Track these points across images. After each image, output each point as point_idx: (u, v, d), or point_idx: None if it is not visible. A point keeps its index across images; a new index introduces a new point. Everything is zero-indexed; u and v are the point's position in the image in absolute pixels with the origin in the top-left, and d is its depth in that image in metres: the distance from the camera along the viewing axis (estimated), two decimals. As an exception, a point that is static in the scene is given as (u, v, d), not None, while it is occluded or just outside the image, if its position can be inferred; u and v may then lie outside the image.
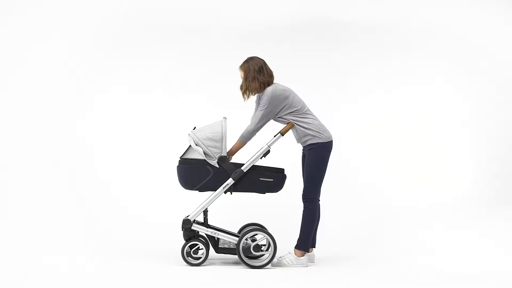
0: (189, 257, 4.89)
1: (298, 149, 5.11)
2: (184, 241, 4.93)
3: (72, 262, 4.97)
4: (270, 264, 4.90)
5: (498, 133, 7.14)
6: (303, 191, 4.94)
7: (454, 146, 7.12)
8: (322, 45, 7.17)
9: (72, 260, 5.04)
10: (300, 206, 4.96)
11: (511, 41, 7.25)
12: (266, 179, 4.92)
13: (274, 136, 4.94)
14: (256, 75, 4.90)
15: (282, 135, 4.96)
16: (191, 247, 4.89)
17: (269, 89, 4.89)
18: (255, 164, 4.92)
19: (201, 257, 4.89)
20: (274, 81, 4.99)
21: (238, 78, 7.01)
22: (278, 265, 4.93)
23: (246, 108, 6.79)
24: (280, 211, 5.66)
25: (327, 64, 7.15)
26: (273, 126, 5.20)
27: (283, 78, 6.80)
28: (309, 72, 7.11)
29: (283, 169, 5.03)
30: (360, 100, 7.16)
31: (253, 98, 5.10)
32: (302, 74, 7.02)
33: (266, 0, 7.14)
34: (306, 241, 4.92)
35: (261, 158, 4.92)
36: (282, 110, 4.91)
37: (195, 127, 4.97)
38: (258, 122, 4.89)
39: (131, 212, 6.27)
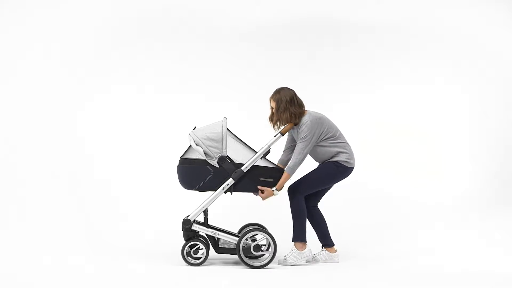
0: (189, 257, 4.88)
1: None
2: (184, 241, 4.93)
3: (72, 263, 4.97)
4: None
5: (498, 133, 7.15)
6: (296, 182, 4.96)
7: (454, 146, 7.13)
8: (321, 45, 7.17)
9: (72, 260, 5.03)
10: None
11: (511, 41, 7.25)
12: (266, 179, 4.92)
13: (274, 136, 4.94)
14: (288, 106, 4.87)
15: (282, 135, 4.95)
16: (191, 247, 4.89)
17: (306, 118, 4.87)
18: (255, 164, 4.92)
19: (201, 257, 4.89)
20: (305, 109, 4.95)
21: (238, 78, 7.09)
22: (285, 264, 4.94)
23: (246, 109, 6.83)
24: (280, 211, 5.65)
25: (327, 63, 7.14)
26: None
27: (283, 77, 6.81)
28: (309, 71, 7.11)
29: (283, 169, 5.02)
30: (360, 100, 7.16)
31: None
32: (301, 73, 7.02)
33: (266, -1, 7.16)
34: (301, 231, 4.93)
35: (261, 158, 4.92)
36: (320, 138, 4.90)
37: (195, 127, 4.96)
38: (302, 153, 4.85)
39: (131, 212, 6.28)
